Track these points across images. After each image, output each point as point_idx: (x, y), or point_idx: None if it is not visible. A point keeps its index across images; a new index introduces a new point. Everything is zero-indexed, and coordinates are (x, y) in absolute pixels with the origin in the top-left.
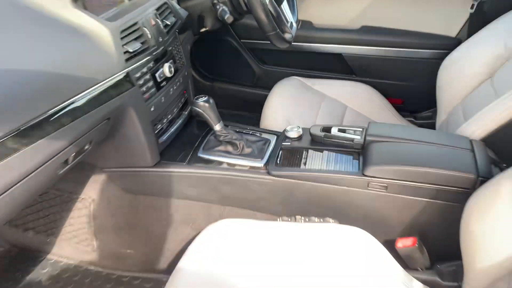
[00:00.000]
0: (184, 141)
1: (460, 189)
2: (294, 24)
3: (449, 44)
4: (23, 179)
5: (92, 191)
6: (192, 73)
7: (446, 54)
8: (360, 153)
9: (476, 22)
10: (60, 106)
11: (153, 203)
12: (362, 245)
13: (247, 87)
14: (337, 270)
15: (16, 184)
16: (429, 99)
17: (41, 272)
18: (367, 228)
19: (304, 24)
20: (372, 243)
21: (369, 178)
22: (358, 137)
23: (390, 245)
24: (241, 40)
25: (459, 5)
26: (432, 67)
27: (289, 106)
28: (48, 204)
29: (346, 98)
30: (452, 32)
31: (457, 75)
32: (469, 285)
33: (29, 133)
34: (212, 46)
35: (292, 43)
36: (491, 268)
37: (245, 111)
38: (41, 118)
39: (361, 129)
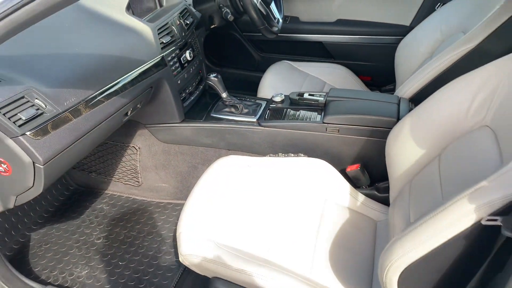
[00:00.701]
0: (201, 106)
1: (386, 128)
2: (281, 20)
3: (405, 31)
4: (104, 121)
5: (138, 141)
6: (205, 61)
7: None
8: (323, 109)
9: (423, 13)
10: (124, 76)
11: (180, 149)
12: (324, 171)
13: (249, 71)
14: (306, 188)
15: (101, 123)
16: (391, 75)
17: (101, 202)
18: (327, 160)
19: (292, 19)
20: (330, 170)
21: (327, 124)
22: (322, 98)
23: (343, 171)
24: (243, 33)
25: (413, 0)
26: (393, 50)
27: (278, 82)
28: (106, 152)
29: (325, 76)
30: (407, 21)
31: (409, 55)
32: (391, 192)
33: (108, 92)
34: (221, 39)
35: (284, 35)
36: (400, 177)
37: (248, 91)
38: (113, 83)
39: (324, 93)
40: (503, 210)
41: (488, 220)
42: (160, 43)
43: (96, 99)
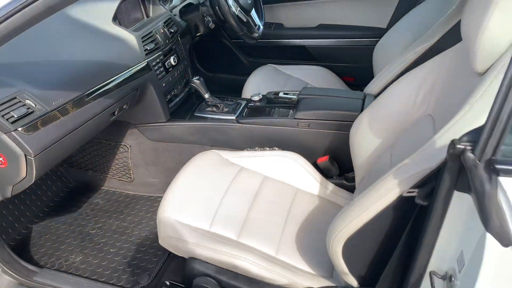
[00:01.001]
0: (186, 106)
1: (351, 122)
2: (261, 26)
3: (381, 33)
4: (91, 119)
5: (129, 140)
6: (198, 66)
7: None
8: (295, 106)
9: (398, 16)
10: (110, 79)
11: (168, 147)
12: (296, 163)
13: (239, 75)
14: (279, 178)
15: (87, 121)
16: (373, 76)
17: (97, 197)
18: (300, 153)
19: (277, 26)
20: (302, 162)
21: (298, 120)
22: (295, 96)
23: (315, 163)
24: (232, 41)
25: (388, 4)
26: (371, 51)
27: (262, 84)
28: (100, 151)
29: (308, 78)
30: (384, 24)
31: (384, 56)
32: (356, 180)
33: (94, 94)
34: (212, 47)
35: (270, 40)
36: (362, 166)
37: (238, 94)
38: (100, 85)
39: (298, 92)
40: (420, 183)
41: (408, 192)
42: (145, 50)
43: (83, 100)
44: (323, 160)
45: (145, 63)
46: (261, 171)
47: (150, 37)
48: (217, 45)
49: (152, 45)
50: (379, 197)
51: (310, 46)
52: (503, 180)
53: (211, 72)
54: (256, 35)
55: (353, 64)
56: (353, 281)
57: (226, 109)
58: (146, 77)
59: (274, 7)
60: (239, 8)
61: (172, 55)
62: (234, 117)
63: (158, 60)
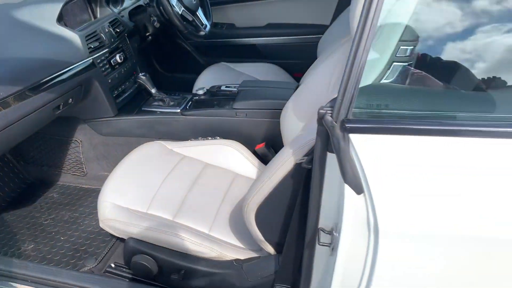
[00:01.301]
0: (135, 102)
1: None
2: (208, 26)
3: (324, 30)
4: (32, 113)
5: (79, 135)
6: (157, 68)
7: None
8: (235, 97)
9: (338, 12)
10: (54, 75)
11: (118, 140)
12: (236, 150)
13: (195, 74)
14: (219, 165)
15: (28, 115)
16: None
17: (53, 191)
18: (240, 141)
19: (229, 26)
20: (242, 149)
21: (236, 110)
22: (235, 89)
23: (254, 150)
24: (188, 41)
25: (330, 2)
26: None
27: (212, 81)
28: (54, 147)
29: (258, 75)
30: (327, 21)
31: (324, 51)
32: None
33: (36, 88)
34: (169, 48)
35: (223, 40)
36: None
37: None
38: (43, 80)
39: (238, 84)
40: (310, 151)
41: (301, 160)
42: (89, 48)
43: (24, 94)
44: (260, 146)
45: (90, 61)
46: (202, 158)
47: (95, 36)
48: (174, 46)
49: (96, 43)
50: (279, 165)
51: (260, 45)
52: (365, 138)
53: (169, 72)
54: (202, 33)
55: (301, 60)
56: (270, 249)
57: (172, 103)
58: (91, 74)
59: (226, 8)
60: (183, 8)
61: (119, 53)
62: (179, 110)
63: (103, 57)
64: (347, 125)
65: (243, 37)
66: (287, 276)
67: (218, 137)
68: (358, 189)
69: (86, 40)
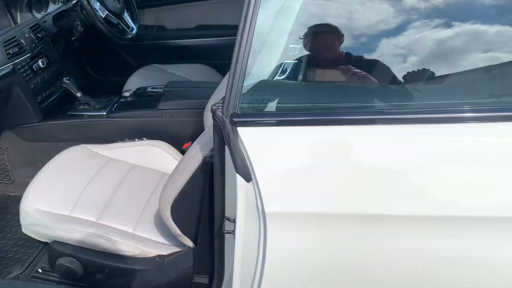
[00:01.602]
0: (62, 106)
1: None
2: (135, 28)
3: None
4: None
5: (4, 142)
6: (89, 72)
7: None
8: (161, 98)
9: None
10: None
11: (44, 146)
12: (162, 151)
13: (128, 77)
14: (146, 166)
15: None
16: None
17: None
18: (167, 141)
19: (160, 28)
20: (169, 149)
21: (161, 110)
22: (161, 90)
23: (181, 149)
24: (116, 44)
25: None
26: None
27: (143, 83)
28: None
29: (190, 75)
30: None
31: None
32: None
33: None
34: (101, 51)
35: (154, 42)
36: None
37: None
38: None
39: (164, 85)
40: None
41: (207, 154)
42: (7, 54)
43: None
44: (187, 145)
45: (10, 67)
46: (129, 160)
47: (14, 41)
48: (105, 49)
49: (16, 49)
50: (189, 161)
51: (191, 46)
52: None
53: (101, 76)
54: (129, 36)
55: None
56: (189, 242)
57: (97, 106)
58: (11, 80)
59: (156, 10)
60: (107, 12)
61: (41, 58)
62: (104, 113)
63: (24, 63)
64: (235, 119)
65: (173, 39)
66: (205, 267)
67: (145, 138)
68: (247, 177)
69: (5, 46)
